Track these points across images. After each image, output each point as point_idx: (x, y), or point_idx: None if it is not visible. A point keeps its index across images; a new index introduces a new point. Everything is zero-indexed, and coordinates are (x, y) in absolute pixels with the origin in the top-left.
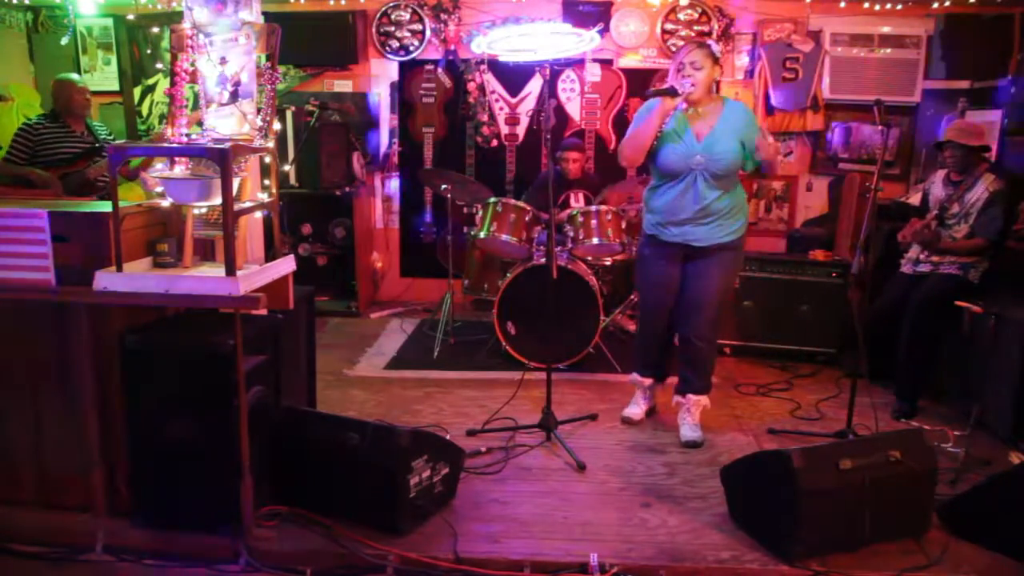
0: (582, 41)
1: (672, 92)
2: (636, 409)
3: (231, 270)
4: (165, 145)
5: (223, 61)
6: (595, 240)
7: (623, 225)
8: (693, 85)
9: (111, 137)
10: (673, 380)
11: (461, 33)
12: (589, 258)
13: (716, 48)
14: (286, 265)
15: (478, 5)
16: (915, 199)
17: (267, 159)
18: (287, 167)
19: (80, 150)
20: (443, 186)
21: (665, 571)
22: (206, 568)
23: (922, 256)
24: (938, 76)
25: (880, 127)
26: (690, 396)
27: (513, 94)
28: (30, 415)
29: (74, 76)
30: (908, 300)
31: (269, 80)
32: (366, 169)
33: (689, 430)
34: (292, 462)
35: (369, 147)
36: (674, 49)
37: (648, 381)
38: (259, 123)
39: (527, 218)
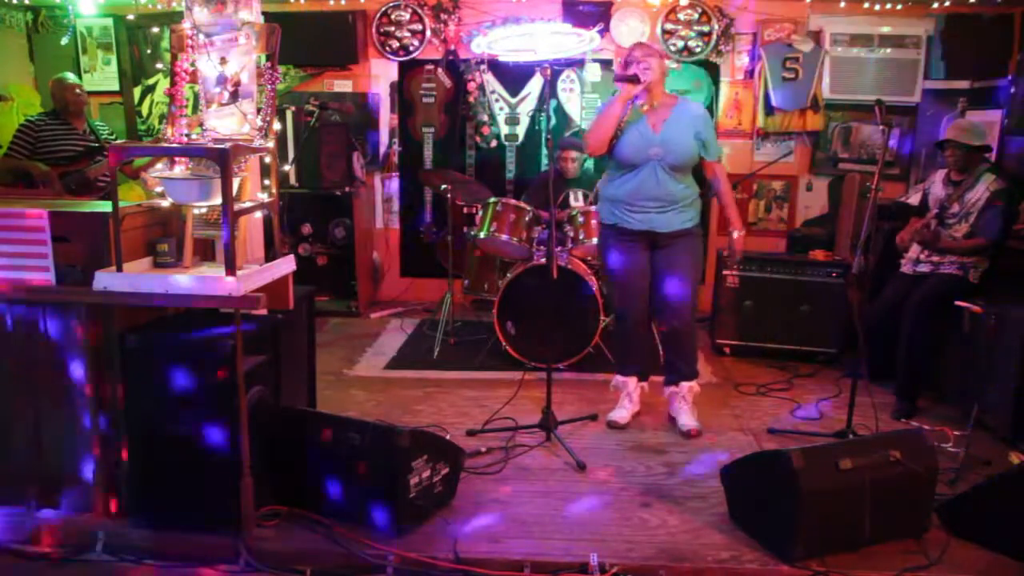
0: (582, 41)
1: (635, 79)
2: (623, 412)
3: (231, 270)
4: (165, 145)
5: (223, 61)
6: (595, 240)
7: None
8: (651, 69)
9: (112, 136)
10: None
11: (461, 33)
12: (589, 258)
13: (656, 46)
14: (286, 265)
15: (478, 5)
16: (915, 199)
17: (267, 159)
18: (287, 167)
19: (81, 148)
20: (443, 186)
21: (665, 571)
22: (206, 568)
23: (922, 256)
24: (938, 76)
25: (880, 127)
26: (683, 384)
27: (513, 94)
28: (30, 415)
29: (68, 75)
30: (908, 300)
31: (269, 80)
32: (366, 169)
33: (687, 418)
34: (292, 462)
35: (369, 147)
36: (673, 49)
37: (632, 381)
38: (259, 123)
39: (527, 218)
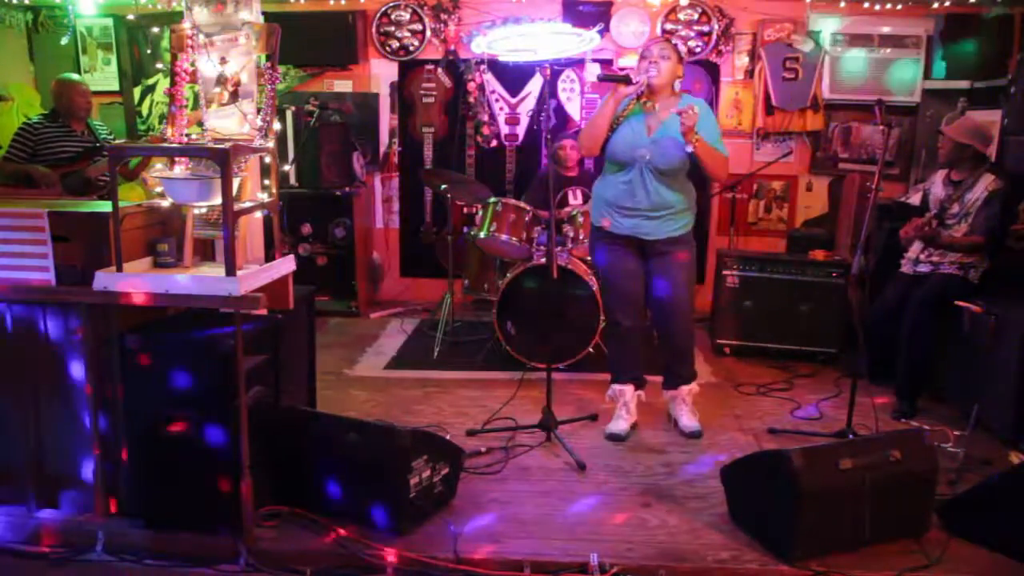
0: (582, 41)
1: (625, 79)
2: (622, 424)
3: (231, 270)
4: (165, 145)
5: (223, 61)
6: None
7: None
8: (658, 73)
9: (111, 136)
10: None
11: (461, 33)
12: (589, 258)
13: (681, 47)
14: (286, 265)
15: (478, 5)
16: (915, 199)
17: (267, 159)
18: (287, 167)
19: (80, 149)
20: (443, 186)
21: (665, 571)
22: (206, 568)
23: (922, 256)
24: (938, 76)
25: (880, 127)
26: (682, 387)
27: (513, 94)
28: (30, 415)
29: (75, 77)
30: (908, 300)
31: (269, 80)
32: (366, 169)
33: (688, 420)
34: (292, 462)
35: (369, 147)
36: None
37: (628, 389)
38: (259, 123)
39: (527, 218)
